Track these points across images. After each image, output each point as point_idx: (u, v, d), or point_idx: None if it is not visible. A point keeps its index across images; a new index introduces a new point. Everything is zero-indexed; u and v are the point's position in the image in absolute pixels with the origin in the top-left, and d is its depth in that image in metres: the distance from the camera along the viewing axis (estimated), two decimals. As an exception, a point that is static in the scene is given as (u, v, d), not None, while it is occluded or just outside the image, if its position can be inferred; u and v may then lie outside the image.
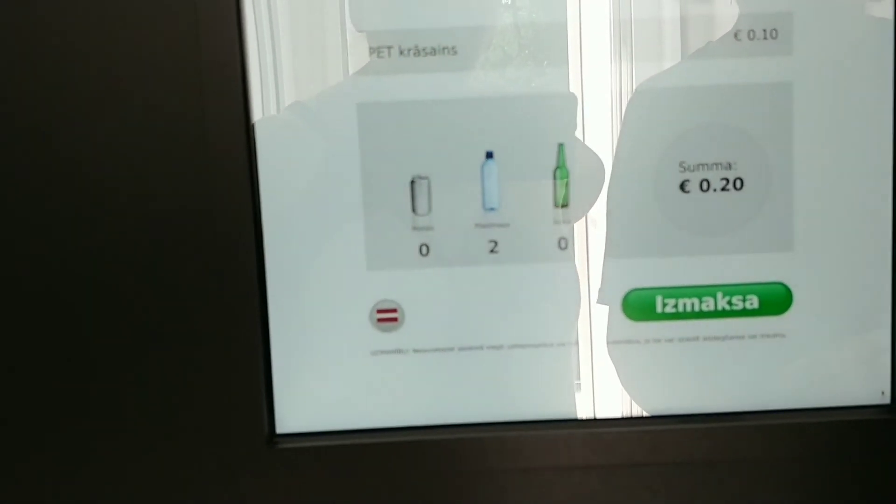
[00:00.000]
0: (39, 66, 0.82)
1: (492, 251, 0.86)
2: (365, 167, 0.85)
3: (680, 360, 0.89)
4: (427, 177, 0.85)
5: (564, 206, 0.86)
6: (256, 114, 0.84)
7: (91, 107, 0.83)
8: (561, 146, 0.85)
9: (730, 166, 0.86)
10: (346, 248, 0.86)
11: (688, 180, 0.86)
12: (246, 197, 0.84)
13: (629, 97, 0.85)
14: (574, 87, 0.85)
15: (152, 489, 0.89)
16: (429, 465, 0.88)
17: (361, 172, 0.85)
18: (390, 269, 0.87)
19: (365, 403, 0.89)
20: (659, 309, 0.88)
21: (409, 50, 0.83)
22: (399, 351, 0.88)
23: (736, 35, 0.83)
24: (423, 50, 0.83)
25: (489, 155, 0.85)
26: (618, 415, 0.90)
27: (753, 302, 0.87)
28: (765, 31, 0.83)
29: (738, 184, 0.86)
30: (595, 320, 0.89)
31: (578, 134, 0.85)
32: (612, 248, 0.87)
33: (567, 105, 0.85)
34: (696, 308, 0.88)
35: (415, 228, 0.86)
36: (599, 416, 0.90)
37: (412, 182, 0.85)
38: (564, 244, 0.87)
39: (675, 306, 0.88)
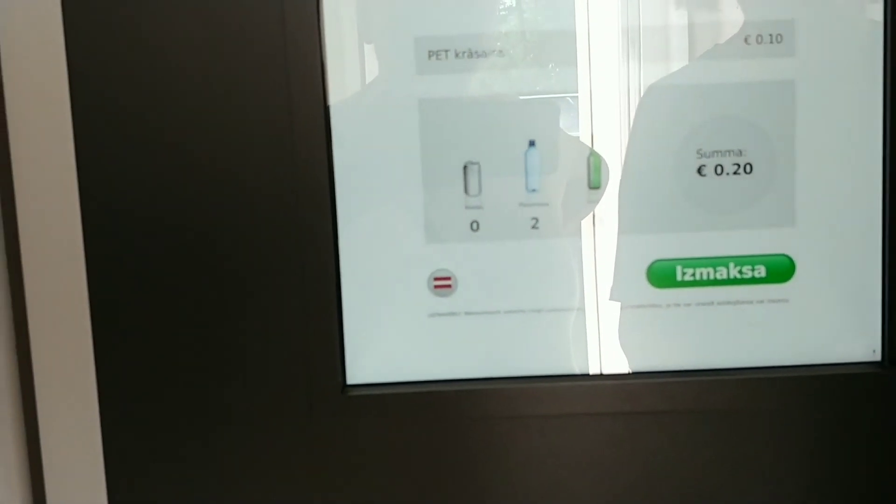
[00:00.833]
0: (145, 65, 0.86)
1: (533, 227, 0.91)
2: (424, 154, 0.89)
3: (696, 322, 0.93)
4: (478, 162, 0.89)
5: (596, 187, 0.91)
6: (335, 111, 0.88)
7: (202, 104, 0.87)
8: (592, 136, 0.90)
9: (740, 153, 0.89)
10: (408, 223, 0.91)
11: (704, 165, 0.90)
12: (324, 177, 0.88)
13: (654, 94, 0.89)
14: (596, 87, 0.89)
15: (242, 428, 0.93)
16: (476, 412, 0.92)
17: (421, 159, 0.89)
18: (445, 243, 0.91)
19: (423, 359, 0.93)
20: (679, 277, 0.92)
21: (462, 52, 0.88)
22: (453, 314, 0.92)
23: (745, 39, 0.87)
24: (475, 52, 0.88)
25: (532, 143, 0.89)
26: (641, 369, 0.93)
27: (761, 271, 0.91)
28: (771, 35, 0.87)
29: (747, 168, 0.89)
30: (621, 288, 0.92)
31: (604, 128, 0.89)
32: (638, 225, 0.92)
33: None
34: (711, 276, 0.91)
35: (467, 207, 0.90)
36: (628, 370, 0.94)
37: (465, 167, 0.90)
38: (596, 221, 0.91)
39: (693, 275, 0.92)
